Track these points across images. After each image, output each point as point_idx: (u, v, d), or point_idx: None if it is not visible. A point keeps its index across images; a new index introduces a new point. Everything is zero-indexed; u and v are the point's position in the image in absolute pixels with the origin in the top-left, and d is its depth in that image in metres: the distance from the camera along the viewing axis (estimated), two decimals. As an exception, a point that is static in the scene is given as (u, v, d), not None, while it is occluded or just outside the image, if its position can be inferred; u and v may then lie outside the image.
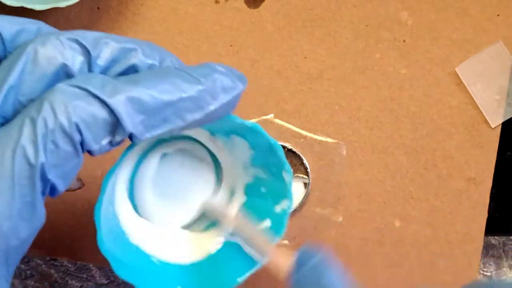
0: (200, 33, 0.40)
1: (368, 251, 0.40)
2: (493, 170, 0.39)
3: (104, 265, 0.38)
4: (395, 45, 0.40)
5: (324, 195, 0.39)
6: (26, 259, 0.38)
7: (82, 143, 0.21)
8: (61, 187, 0.22)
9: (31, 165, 0.20)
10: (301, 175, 0.39)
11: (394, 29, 0.40)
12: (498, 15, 0.40)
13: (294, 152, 0.39)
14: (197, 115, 0.23)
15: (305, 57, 0.40)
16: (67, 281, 0.38)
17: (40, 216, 0.21)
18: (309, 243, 0.29)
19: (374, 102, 0.40)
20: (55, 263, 0.38)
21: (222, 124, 0.28)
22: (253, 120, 0.40)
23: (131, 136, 0.22)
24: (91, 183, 0.39)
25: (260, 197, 0.32)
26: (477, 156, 0.39)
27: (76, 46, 0.22)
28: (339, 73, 0.40)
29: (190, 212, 0.33)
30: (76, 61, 0.22)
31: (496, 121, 0.39)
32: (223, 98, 0.23)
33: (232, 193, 0.33)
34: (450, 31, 0.40)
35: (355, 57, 0.40)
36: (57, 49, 0.22)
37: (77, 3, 0.37)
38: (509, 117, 0.39)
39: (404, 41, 0.40)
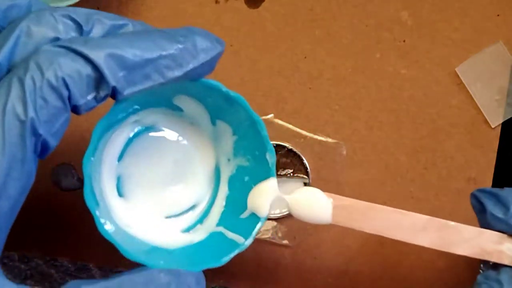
0: (200, 33, 0.40)
1: (368, 251, 0.40)
2: (493, 170, 0.39)
3: (104, 265, 0.38)
4: (395, 45, 0.40)
5: (324, 195, 0.39)
6: (26, 259, 0.38)
7: (69, 98, 0.22)
8: (52, 143, 0.22)
9: (21, 122, 0.21)
10: (301, 175, 0.39)
11: (394, 29, 0.40)
12: (498, 15, 0.40)
13: (294, 152, 0.39)
14: (177, 73, 0.24)
15: (305, 57, 0.40)
16: (67, 281, 0.38)
17: (30, 174, 0.22)
18: None
19: (374, 102, 0.40)
20: (55, 263, 0.38)
21: (207, 93, 0.29)
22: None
23: (114, 93, 0.23)
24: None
25: (243, 188, 0.32)
26: (477, 156, 0.39)
27: (69, 22, 0.23)
28: (339, 73, 0.40)
29: (182, 206, 0.33)
30: (68, 35, 0.23)
31: (496, 121, 0.39)
32: (202, 58, 0.25)
33: (217, 187, 0.34)
34: (450, 31, 0.40)
35: (355, 57, 0.40)
36: (50, 24, 0.23)
37: (77, 3, 0.37)
38: (509, 117, 0.39)
39: (404, 41, 0.40)
